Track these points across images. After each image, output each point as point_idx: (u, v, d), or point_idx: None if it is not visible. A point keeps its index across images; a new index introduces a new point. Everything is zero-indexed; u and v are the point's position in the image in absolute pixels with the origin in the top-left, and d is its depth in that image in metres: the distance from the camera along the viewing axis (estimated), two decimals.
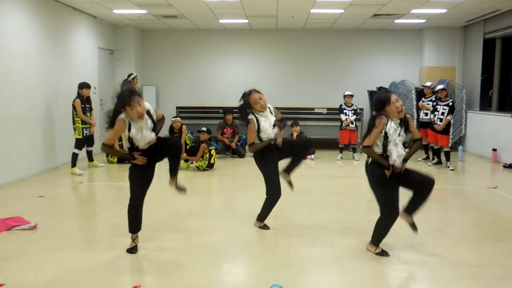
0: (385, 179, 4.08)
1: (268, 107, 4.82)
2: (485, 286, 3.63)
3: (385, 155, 4.05)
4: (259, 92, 4.78)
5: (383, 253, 4.23)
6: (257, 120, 4.71)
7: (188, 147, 8.95)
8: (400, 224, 5.27)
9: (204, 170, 8.53)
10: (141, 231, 4.92)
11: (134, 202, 4.20)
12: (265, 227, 4.98)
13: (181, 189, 4.39)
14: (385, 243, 4.52)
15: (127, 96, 3.90)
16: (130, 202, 4.21)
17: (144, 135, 4.03)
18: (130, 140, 4.05)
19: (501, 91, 10.79)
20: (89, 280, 3.68)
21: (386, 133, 4.00)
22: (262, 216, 4.99)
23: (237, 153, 10.38)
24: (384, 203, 4.16)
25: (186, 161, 8.74)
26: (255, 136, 4.73)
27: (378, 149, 4.06)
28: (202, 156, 8.55)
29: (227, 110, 10.45)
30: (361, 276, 3.83)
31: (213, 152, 8.63)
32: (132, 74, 10.34)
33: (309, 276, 3.83)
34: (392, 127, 4.02)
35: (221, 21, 11.06)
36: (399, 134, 4.06)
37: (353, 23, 11.41)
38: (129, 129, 3.97)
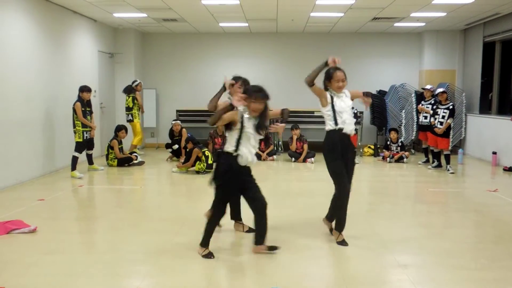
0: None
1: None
2: None
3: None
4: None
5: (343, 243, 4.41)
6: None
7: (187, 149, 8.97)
8: (400, 227, 5.28)
9: (204, 172, 8.51)
10: (141, 235, 4.93)
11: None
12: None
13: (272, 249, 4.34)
14: (385, 246, 4.51)
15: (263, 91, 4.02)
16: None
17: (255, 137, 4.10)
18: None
19: (501, 94, 10.79)
20: (89, 284, 3.68)
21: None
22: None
23: None
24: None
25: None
26: None
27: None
28: (200, 160, 8.55)
29: None
30: (361, 279, 3.82)
31: (207, 153, 8.65)
32: (136, 80, 10.53)
33: (309, 279, 3.83)
34: None
35: (221, 24, 11.08)
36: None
37: (353, 27, 11.43)
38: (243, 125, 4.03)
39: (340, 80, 4.48)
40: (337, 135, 4.48)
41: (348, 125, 4.49)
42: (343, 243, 4.52)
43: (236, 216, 4.99)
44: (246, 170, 4.19)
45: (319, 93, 4.50)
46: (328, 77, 4.52)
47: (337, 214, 4.64)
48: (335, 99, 4.50)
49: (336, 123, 4.47)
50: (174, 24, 11.05)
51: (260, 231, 4.23)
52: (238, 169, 4.07)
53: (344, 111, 4.48)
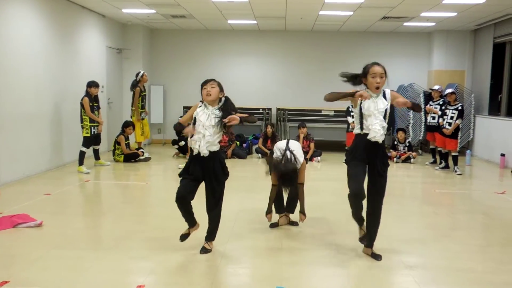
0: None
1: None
2: None
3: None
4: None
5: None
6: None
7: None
8: (407, 229, 5.25)
9: None
10: (146, 232, 4.93)
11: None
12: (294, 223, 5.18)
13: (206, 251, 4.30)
14: (391, 247, 4.48)
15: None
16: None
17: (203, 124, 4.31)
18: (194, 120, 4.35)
19: (510, 96, 10.69)
20: (94, 279, 3.68)
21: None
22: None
23: (237, 155, 10.38)
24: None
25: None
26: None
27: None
28: None
29: None
30: (367, 280, 3.80)
31: None
32: (140, 72, 9.88)
33: (314, 279, 3.81)
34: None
35: (229, 21, 11.06)
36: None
37: (362, 26, 11.37)
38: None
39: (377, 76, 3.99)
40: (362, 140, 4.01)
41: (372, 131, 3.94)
42: (375, 256, 4.20)
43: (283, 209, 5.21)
44: None
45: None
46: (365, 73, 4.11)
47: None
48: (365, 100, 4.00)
49: (362, 128, 4.02)
50: (183, 20, 11.05)
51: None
52: None
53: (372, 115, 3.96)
